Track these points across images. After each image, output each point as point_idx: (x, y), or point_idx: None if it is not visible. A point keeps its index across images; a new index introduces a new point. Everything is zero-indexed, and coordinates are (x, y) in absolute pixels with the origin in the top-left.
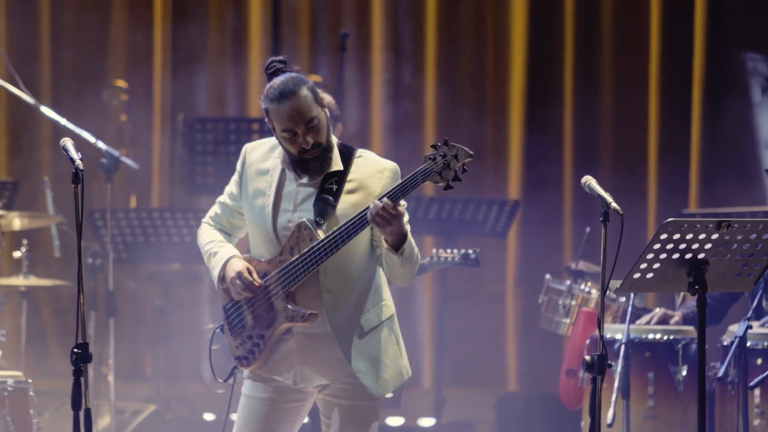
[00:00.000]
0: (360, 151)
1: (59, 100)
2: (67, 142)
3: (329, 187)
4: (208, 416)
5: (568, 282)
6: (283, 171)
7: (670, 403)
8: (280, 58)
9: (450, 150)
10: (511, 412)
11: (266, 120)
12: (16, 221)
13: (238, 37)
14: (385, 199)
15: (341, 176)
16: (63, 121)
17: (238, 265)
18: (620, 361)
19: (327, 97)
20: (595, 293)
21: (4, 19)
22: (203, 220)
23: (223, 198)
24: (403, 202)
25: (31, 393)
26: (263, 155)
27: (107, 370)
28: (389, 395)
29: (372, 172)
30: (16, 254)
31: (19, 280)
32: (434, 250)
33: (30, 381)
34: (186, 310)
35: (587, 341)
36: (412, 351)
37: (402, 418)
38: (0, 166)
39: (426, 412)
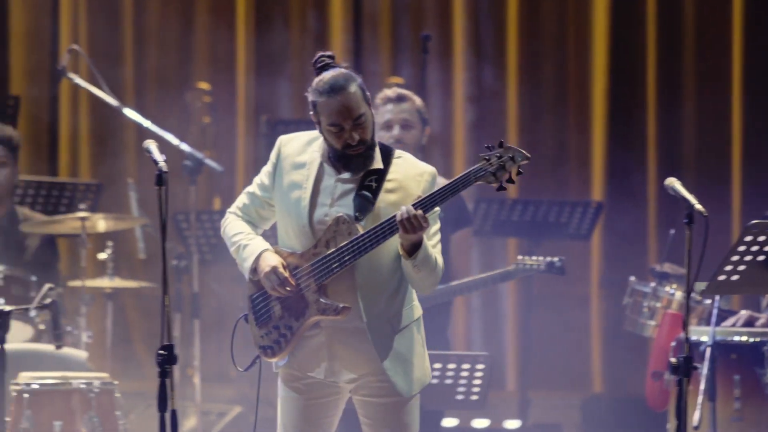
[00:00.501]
0: (399, 152)
1: (143, 103)
2: (151, 144)
3: (368, 184)
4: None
5: (652, 284)
6: (321, 165)
7: (757, 406)
8: (329, 53)
9: (506, 151)
10: (596, 414)
11: (311, 113)
12: (101, 223)
13: (320, 39)
14: (419, 210)
15: (381, 174)
16: (146, 123)
17: (273, 259)
18: (706, 363)
19: (417, 101)
20: (680, 295)
21: (87, 22)
22: (229, 210)
23: (253, 188)
24: (437, 209)
25: (117, 394)
26: (299, 148)
27: (193, 372)
28: (474, 397)
29: (412, 175)
30: (101, 256)
31: (105, 282)
32: (519, 257)
33: (116, 382)
34: None
35: (672, 343)
36: (497, 353)
37: (487, 420)
38: (85, 169)
39: (511, 414)
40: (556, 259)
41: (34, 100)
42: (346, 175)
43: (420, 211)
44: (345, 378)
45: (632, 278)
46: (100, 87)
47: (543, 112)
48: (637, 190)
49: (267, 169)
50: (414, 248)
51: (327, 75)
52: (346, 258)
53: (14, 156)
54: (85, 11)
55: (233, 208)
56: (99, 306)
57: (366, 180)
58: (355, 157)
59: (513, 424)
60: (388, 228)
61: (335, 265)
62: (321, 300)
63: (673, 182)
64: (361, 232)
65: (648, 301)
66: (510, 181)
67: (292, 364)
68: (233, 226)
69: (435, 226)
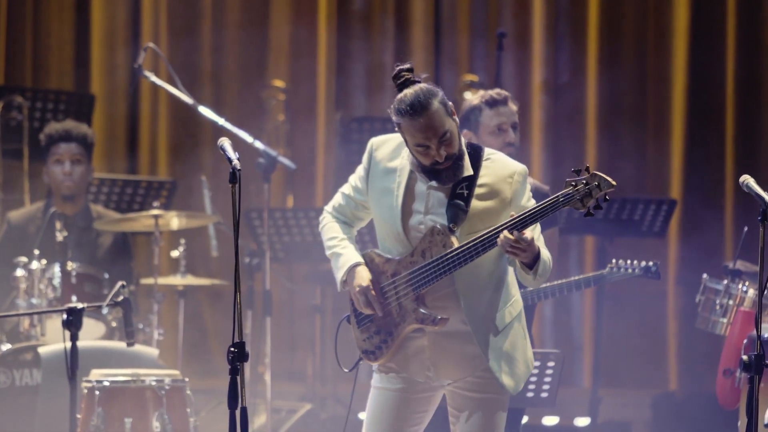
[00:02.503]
0: (488, 152)
1: (218, 100)
2: (225, 142)
3: (460, 192)
4: (363, 416)
5: (725, 281)
6: (412, 171)
7: None
8: (408, 66)
9: (593, 179)
10: (668, 412)
11: (397, 130)
12: (174, 221)
13: (399, 36)
14: (515, 233)
15: (471, 181)
16: (221, 121)
17: (364, 278)
18: None
19: (513, 107)
20: (752, 293)
21: (167, 20)
22: (326, 208)
23: (348, 190)
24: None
25: (188, 392)
26: (390, 153)
27: (264, 369)
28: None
29: (502, 177)
30: (174, 254)
31: (177, 280)
32: (614, 261)
33: (187, 380)
34: (342, 310)
35: (745, 341)
36: (570, 351)
37: (557, 418)
38: (159, 167)
39: (581, 412)
40: (651, 263)
41: (113, 98)
42: (436, 183)
43: (515, 234)
44: (448, 380)
45: (705, 276)
46: (175, 85)
47: (621, 109)
48: (715, 187)
49: (360, 173)
50: (533, 262)
51: (408, 94)
52: (442, 270)
53: (89, 154)
54: (165, 9)
55: (330, 207)
56: (171, 303)
57: (458, 188)
58: (444, 171)
59: (583, 421)
60: (481, 244)
61: (431, 277)
62: (420, 310)
63: (748, 179)
64: (455, 243)
65: (720, 299)
66: (598, 207)
67: (393, 361)
68: (329, 228)
69: (538, 226)
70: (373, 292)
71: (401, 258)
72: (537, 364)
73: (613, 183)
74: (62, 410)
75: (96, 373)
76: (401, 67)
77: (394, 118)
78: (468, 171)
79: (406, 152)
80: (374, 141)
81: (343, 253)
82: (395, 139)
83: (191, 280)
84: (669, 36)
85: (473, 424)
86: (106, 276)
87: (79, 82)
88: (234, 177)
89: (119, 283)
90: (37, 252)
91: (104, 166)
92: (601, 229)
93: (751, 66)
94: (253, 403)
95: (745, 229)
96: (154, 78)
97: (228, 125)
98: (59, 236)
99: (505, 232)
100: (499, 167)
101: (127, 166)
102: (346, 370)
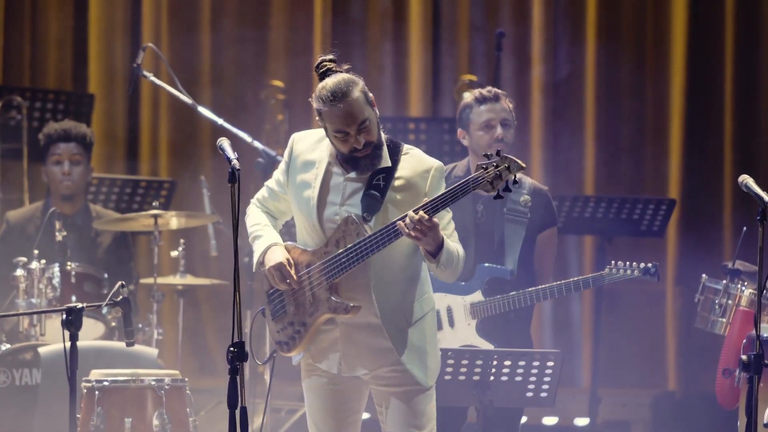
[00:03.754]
0: (406, 148)
1: (217, 100)
2: (224, 142)
3: (376, 183)
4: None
5: (724, 281)
6: (329, 164)
7: None
8: (330, 56)
9: (502, 161)
10: (667, 412)
11: (317, 119)
12: (174, 221)
13: (397, 36)
14: (420, 212)
15: (389, 173)
16: (220, 120)
17: (279, 255)
18: None
19: (506, 104)
20: (751, 292)
21: (167, 20)
22: (252, 200)
23: (271, 183)
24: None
25: (188, 391)
26: (310, 146)
27: (263, 369)
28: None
29: (419, 171)
30: (174, 253)
31: (177, 279)
32: (613, 262)
33: (186, 379)
34: None
35: (744, 341)
36: (569, 350)
37: (556, 418)
38: (159, 166)
39: (581, 412)
40: (650, 264)
41: (112, 98)
42: (354, 174)
43: (421, 213)
44: (359, 372)
45: (704, 276)
46: (175, 85)
47: (619, 110)
48: (714, 186)
49: (281, 166)
50: (436, 251)
51: (329, 82)
52: (355, 258)
53: (88, 154)
54: (166, 9)
55: (255, 198)
56: (171, 303)
57: (374, 179)
58: (363, 159)
59: (582, 421)
60: (393, 231)
61: (344, 265)
62: (332, 298)
63: (747, 179)
64: (369, 232)
65: (720, 299)
66: (507, 189)
67: (309, 356)
68: (252, 216)
69: (447, 216)
70: (287, 267)
71: (316, 249)
72: (537, 364)
73: (523, 165)
74: (62, 410)
75: (96, 373)
76: (324, 57)
77: (314, 105)
78: (386, 162)
79: (325, 145)
80: (295, 135)
81: (262, 235)
82: (316, 133)
83: (191, 279)
84: (667, 35)
85: (397, 416)
86: (106, 276)
87: (78, 81)
88: (233, 176)
89: (119, 283)
90: (36, 252)
91: (103, 165)
92: (600, 228)
93: (750, 66)
94: (253, 402)
95: (744, 229)
96: (153, 78)
97: (227, 125)
98: (59, 236)
99: (410, 212)
100: (416, 162)
101: (125, 165)
102: (259, 363)
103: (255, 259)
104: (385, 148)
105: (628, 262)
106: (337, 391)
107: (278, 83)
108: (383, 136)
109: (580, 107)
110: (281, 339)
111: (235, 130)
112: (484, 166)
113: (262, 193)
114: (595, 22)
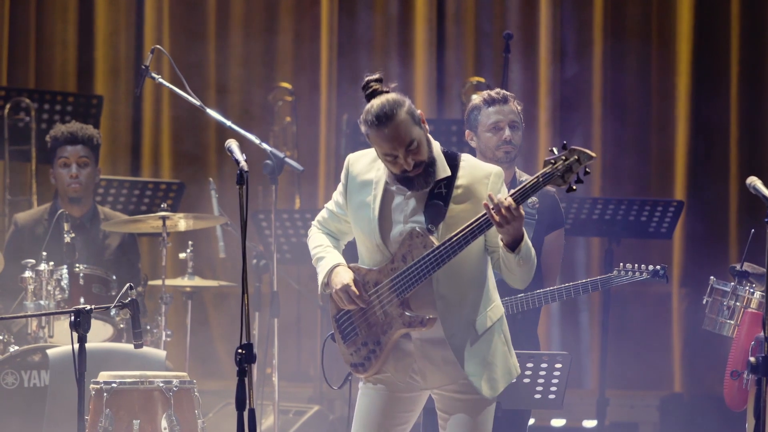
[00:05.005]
0: (464, 156)
1: (225, 102)
2: (232, 144)
3: (438, 192)
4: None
5: (732, 283)
6: (387, 183)
7: None
8: (376, 76)
9: (571, 154)
10: (675, 414)
11: (367, 140)
12: (182, 222)
13: (403, 40)
14: (510, 199)
15: (449, 181)
16: (228, 122)
17: (345, 276)
18: None
19: (514, 107)
20: (759, 294)
21: (170, 22)
22: (313, 222)
23: (330, 205)
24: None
25: (196, 393)
26: (366, 166)
27: (271, 371)
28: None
29: (479, 177)
30: (182, 255)
31: (185, 281)
32: (621, 264)
33: (194, 381)
34: None
35: (752, 342)
36: (577, 352)
37: (564, 420)
38: (166, 168)
39: (589, 414)
40: (659, 267)
41: (118, 99)
42: (410, 192)
43: (511, 200)
44: (432, 386)
45: (712, 278)
46: (182, 86)
47: (626, 111)
48: (721, 188)
49: (339, 189)
50: (516, 243)
51: (375, 104)
52: (425, 271)
53: (95, 155)
54: (168, 10)
55: (316, 220)
56: (179, 305)
57: (436, 188)
58: (416, 178)
59: (590, 423)
60: (463, 237)
61: (415, 279)
62: (406, 314)
63: (754, 181)
64: (436, 243)
65: (728, 300)
66: (579, 181)
67: (380, 370)
68: (314, 238)
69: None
70: (353, 288)
71: (382, 267)
72: (545, 366)
73: (593, 154)
74: (70, 412)
75: (104, 375)
76: (370, 77)
77: (362, 129)
78: (445, 172)
79: (381, 165)
80: (351, 157)
81: (325, 257)
82: (371, 153)
83: (199, 281)
84: (673, 37)
85: (461, 424)
86: (114, 277)
87: (83, 83)
88: (241, 178)
89: (127, 285)
90: (44, 253)
91: (108, 168)
92: (607, 230)
93: (757, 66)
94: (261, 404)
95: (752, 230)
96: (161, 80)
97: (235, 127)
98: (67, 238)
99: (497, 195)
100: (475, 168)
101: (130, 168)
102: (335, 388)
103: (320, 280)
104: (441, 159)
105: (636, 264)
106: (395, 398)
107: (286, 85)
108: (437, 147)
109: (587, 108)
110: (356, 361)
111: (243, 131)
112: (552, 161)
113: (322, 214)
114: (601, 24)
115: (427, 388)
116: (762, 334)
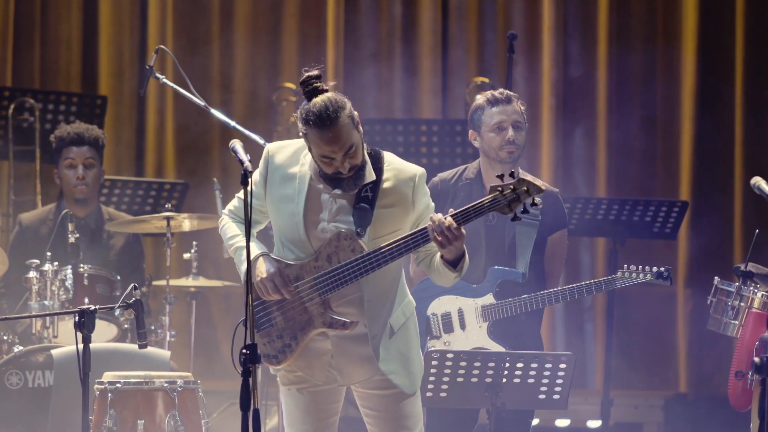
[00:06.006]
0: (387, 157)
1: (228, 102)
2: (237, 144)
3: (365, 195)
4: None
5: (736, 283)
6: (311, 179)
7: None
8: (316, 73)
9: (520, 184)
10: (679, 414)
11: (301, 136)
12: (186, 223)
13: (407, 38)
14: (450, 219)
15: (375, 184)
16: (232, 122)
17: (270, 266)
18: None
19: (517, 107)
20: (763, 294)
21: (174, 21)
22: (223, 211)
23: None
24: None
25: (200, 393)
26: (288, 159)
27: (276, 372)
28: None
29: (403, 180)
30: (186, 255)
31: (189, 281)
32: (625, 266)
33: (199, 381)
34: None
35: (756, 343)
36: (581, 353)
37: (568, 420)
38: (170, 168)
39: (593, 414)
40: (662, 268)
41: (122, 99)
42: (339, 191)
43: (452, 221)
44: (348, 383)
45: (716, 278)
46: (186, 87)
47: (631, 112)
48: (725, 188)
49: (256, 177)
50: (457, 260)
51: (316, 104)
52: (353, 275)
53: (101, 156)
54: (172, 10)
55: (227, 209)
56: (183, 305)
57: (362, 192)
58: (345, 180)
59: (594, 423)
60: (396, 249)
61: (340, 281)
62: (328, 314)
63: (759, 181)
64: (365, 248)
65: (732, 301)
66: (525, 211)
67: (294, 366)
68: (229, 227)
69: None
70: (280, 278)
71: (303, 263)
72: (549, 366)
73: (542, 188)
74: (75, 412)
75: (108, 375)
76: (310, 74)
77: (300, 126)
78: (371, 176)
79: (305, 158)
80: (270, 147)
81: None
82: (293, 144)
83: (203, 281)
84: (678, 37)
85: (385, 419)
86: (118, 278)
87: (87, 83)
88: (245, 178)
89: (131, 285)
90: (49, 254)
91: (112, 168)
92: (612, 230)
93: (762, 66)
94: (266, 404)
95: (756, 231)
96: (165, 80)
97: (239, 127)
98: (71, 238)
99: (438, 215)
100: (398, 171)
101: (135, 168)
102: (240, 371)
103: (242, 269)
104: (368, 164)
105: (640, 266)
106: (317, 392)
107: (290, 85)
108: (366, 150)
109: (592, 108)
110: (269, 352)
111: (246, 132)
112: (500, 188)
113: (234, 203)
114: (606, 24)
115: (345, 384)
116: (766, 334)
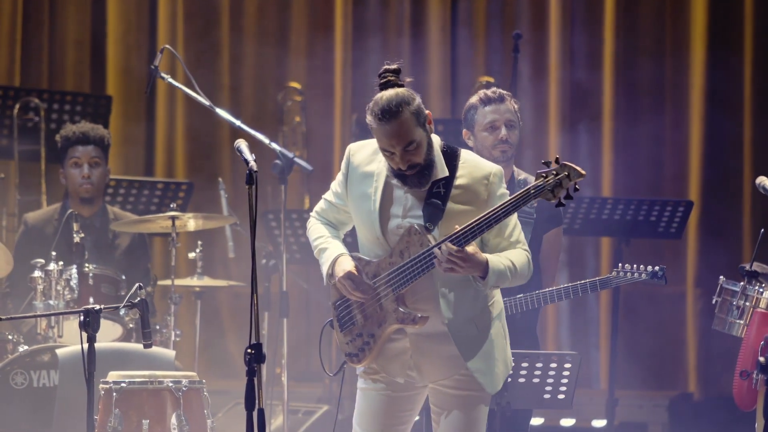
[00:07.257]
0: (464, 154)
1: (235, 102)
2: (242, 144)
3: (437, 191)
4: None
5: (742, 283)
6: (387, 176)
7: None
8: (394, 67)
9: (562, 169)
10: (685, 414)
11: (370, 128)
12: (191, 222)
13: (415, 37)
14: (446, 244)
15: (448, 181)
16: (237, 122)
17: (348, 264)
18: None
19: (510, 105)
20: None
21: (183, 22)
22: (311, 214)
23: (329, 195)
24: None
25: (205, 393)
26: (368, 157)
27: (281, 371)
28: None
29: (478, 178)
30: (191, 255)
31: (194, 281)
32: (620, 265)
33: (204, 381)
34: None
35: (761, 343)
36: (586, 352)
37: (573, 419)
38: (176, 168)
39: (598, 414)
40: (657, 268)
41: (129, 99)
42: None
43: (450, 246)
44: (429, 381)
45: (721, 277)
46: (192, 86)
47: (638, 111)
48: (733, 188)
49: (339, 178)
50: (484, 273)
51: (384, 96)
52: (420, 269)
53: (106, 156)
54: (182, 11)
55: (314, 211)
56: (188, 305)
57: (434, 187)
58: (409, 177)
59: (599, 423)
60: (457, 240)
61: (409, 276)
62: (400, 309)
63: (764, 180)
64: (432, 241)
65: (737, 300)
66: (568, 197)
67: (375, 363)
68: (314, 229)
69: (512, 222)
70: (359, 276)
71: (380, 260)
72: (554, 365)
73: (582, 172)
74: (80, 412)
75: (113, 375)
76: (388, 66)
77: (367, 117)
78: (443, 172)
79: (382, 156)
80: (352, 147)
81: (328, 248)
82: (372, 144)
83: (208, 281)
84: (687, 36)
85: (454, 420)
86: (123, 277)
87: (95, 83)
88: (251, 178)
89: (136, 285)
90: (54, 253)
91: (120, 167)
92: (617, 230)
93: None
94: (270, 404)
95: (762, 230)
96: (171, 79)
97: (245, 127)
98: (76, 237)
99: (447, 243)
100: (474, 168)
101: (144, 167)
102: (330, 375)
103: (324, 271)
104: (440, 159)
105: (635, 265)
106: (394, 398)
107: (296, 85)
108: (437, 144)
109: (598, 108)
110: (350, 351)
111: (252, 131)
112: (544, 174)
113: (321, 205)
114: (613, 24)
115: (424, 384)
116: None
